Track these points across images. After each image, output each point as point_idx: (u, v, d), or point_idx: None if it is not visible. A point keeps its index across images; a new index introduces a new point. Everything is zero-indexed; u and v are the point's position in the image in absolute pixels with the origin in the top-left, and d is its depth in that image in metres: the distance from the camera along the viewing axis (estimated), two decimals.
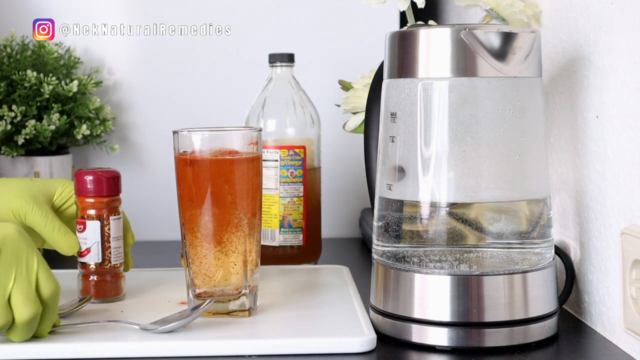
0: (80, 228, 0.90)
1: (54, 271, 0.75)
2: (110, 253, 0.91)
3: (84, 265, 0.91)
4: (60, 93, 1.25)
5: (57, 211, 0.93)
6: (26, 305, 0.73)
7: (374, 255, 0.85)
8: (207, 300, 0.82)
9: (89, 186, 0.90)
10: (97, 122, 1.28)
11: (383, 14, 1.33)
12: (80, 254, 0.91)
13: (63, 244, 0.89)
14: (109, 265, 0.91)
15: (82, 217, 0.90)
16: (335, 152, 1.33)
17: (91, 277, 0.91)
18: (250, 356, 0.76)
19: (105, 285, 0.91)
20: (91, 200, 0.90)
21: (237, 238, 0.84)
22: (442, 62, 0.78)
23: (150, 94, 1.36)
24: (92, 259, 0.91)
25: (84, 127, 1.25)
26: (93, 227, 0.90)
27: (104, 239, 0.91)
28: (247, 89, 1.27)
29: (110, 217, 0.91)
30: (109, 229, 0.91)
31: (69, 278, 1.02)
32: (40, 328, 0.76)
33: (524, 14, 0.93)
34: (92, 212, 0.90)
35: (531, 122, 0.81)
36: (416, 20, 1.01)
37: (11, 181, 0.91)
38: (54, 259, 1.23)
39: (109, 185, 0.91)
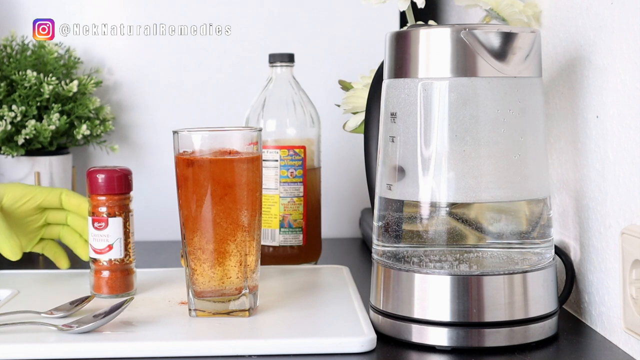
0: (100, 225, 0.91)
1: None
2: (130, 248, 0.93)
3: (96, 261, 0.92)
4: (60, 93, 1.25)
5: (9, 212, 0.95)
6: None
7: (374, 255, 0.85)
8: (126, 299, 0.83)
9: (101, 184, 0.92)
10: (97, 122, 1.28)
11: (383, 14, 1.33)
12: (100, 251, 0.91)
13: (6, 248, 0.92)
14: (128, 259, 0.93)
15: (102, 215, 0.91)
16: (335, 152, 1.33)
17: (103, 273, 0.92)
18: (250, 356, 0.76)
19: (117, 281, 0.93)
20: (103, 198, 0.92)
21: (237, 238, 0.84)
22: (442, 62, 0.78)
23: (150, 94, 1.36)
24: (115, 255, 0.92)
25: (84, 127, 1.25)
26: (116, 224, 0.92)
27: (126, 235, 0.93)
28: (247, 89, 1.27)
29: (129, 214, 0.93)
30: (129, 225, 0.93)
31: (72, 277, 1.03)
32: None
33: (524, 14, 0.93)
34: (106, 209, 0.91)
35: (531, 122, 0.81)
36: (416, 20, 1.01)
37: None
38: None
39: (121, 183, 0.92)
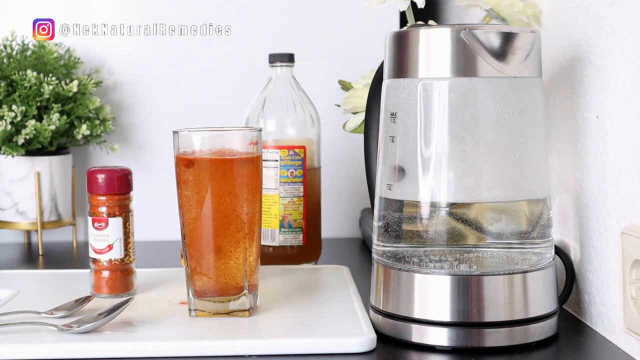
0: (100, 225, 0.92)
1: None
2: (130, 248, 0.94)
3: (96, 261, 0.92)
4: (60, 93, 1.25)
5: None
6: None
7: (374, 255, 0.85)
8: (127, 299, 0.83)
9: (101, 184, 0.92)
10: (97, 122, 1.28)
11: (383, 14, 1.33)
12: (100, 251, 0.92)
13: None
14: (128, 259, 0.93)
15: (102, 215, 0.91)
16: (335, 152, 1.33)
17: (103, 274, 0.92)
18: (250, 356, 0.76)
19: (117, 281, 0.93)
20: (103, 198, 0.92)
21: (237, 238, 0.84)
22: (442, 62, 0.78)
23: (150, 94, 1.36)
24: (115, 255, 0.93)
25: (84, 127, 1.25)
26: (116, 224, 0.92)
27: (126, 235, 0.93)
28: (247, 89, 1.27)
29: (129, 214, 0.93)
30: (129, 225, 0.93)
31: (72, 277, 1.03)
32: None
33: (524, 14, 0.93)
34: (106, 209, 0.92)
35: (531, 122, 0.81)
36: (416, 20, 1.01)
37: None
38: (56, 259, 1.23)
39: (121, 183, 0.93)
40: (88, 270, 0.95)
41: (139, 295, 0.94)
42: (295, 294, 0.94)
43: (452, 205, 0.79)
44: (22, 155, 1.23)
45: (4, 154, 1.23)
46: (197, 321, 0.84)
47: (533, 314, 0.79)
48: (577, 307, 0.88)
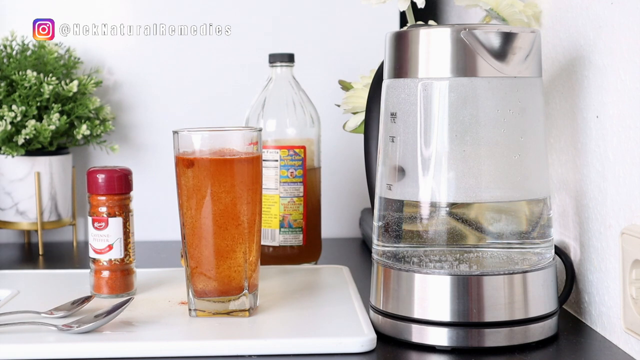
0: (100, 225, 0.92)
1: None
2: (130, 248, 0.94)
3: (96, 261, 0.92)
4: (60, 93, 1.25)
5: None
6: None
7: (374, 255, 0.85)
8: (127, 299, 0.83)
9: (101, 184, 0.92)
10: (97, 122, 1.28)
11: (383, 14, 1.33)
12: (100, 251, 0.92)
13: None
14: (128, 259, 0.93)
15: (102, 215, 0.92)
16: (335, 152, 1.33)
17: (103, 273, 0.93)
18: (250, 356, 0.76)
19: (117, 281, 0.93)
20: (103, 198, 0.92)
21: (237, 238, 0.84)
22: (442, 62, 0.78)
23: (150, 94, 1.36)
24: (115, 255, 0.93)
25: (84, 127, 1.25)
26: (116, 224, 0.92)
27: (126, 235, 0.93)
28: (247, 89, 1.27)
29: (129, 214, 0.93)
30: (129, 225, 0.93)
31: (72, 277, 1.03)
32: None
33: (524, 14, 0.93)
34: (106, 209, 0.92)
35: (531, 122, 0.81)
36: (416, 20, 1.01)
37: None
38: (56, 259, 1.23)
39: (121, 183, 0.93)
40: (88, 270, 0.95)
41: (139, 295, 0.94)
42: (295, 294, 0.94)
43: (452, 205, 0.79)
44: (22, 155, 1.23)
45: (4, 154, 1.23)
46: (197, 321, 0.84)
47: (533, 314, 0.79)
48: (577, 307, 0.88)
